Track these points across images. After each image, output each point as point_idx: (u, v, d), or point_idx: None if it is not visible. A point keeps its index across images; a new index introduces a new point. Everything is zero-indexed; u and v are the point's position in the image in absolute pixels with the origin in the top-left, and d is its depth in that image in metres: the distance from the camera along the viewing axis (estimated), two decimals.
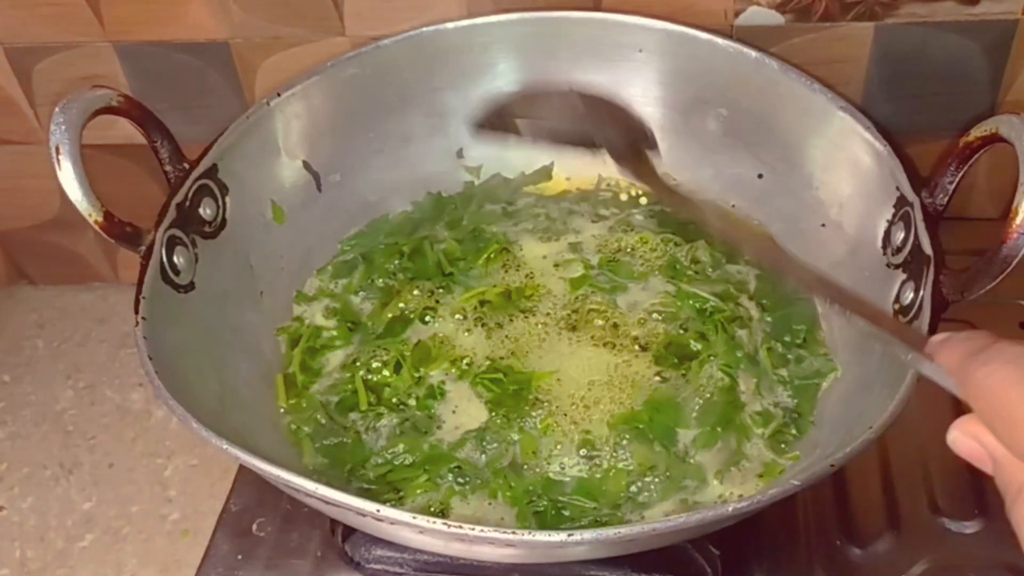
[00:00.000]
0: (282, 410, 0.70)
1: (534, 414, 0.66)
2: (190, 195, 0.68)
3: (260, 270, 0.74)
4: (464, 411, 0.68)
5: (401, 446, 0.66)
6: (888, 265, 0.66)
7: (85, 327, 0.94)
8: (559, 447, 0.65)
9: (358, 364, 0.71)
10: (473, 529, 0.50)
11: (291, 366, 0.72)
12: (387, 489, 0.65)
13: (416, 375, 0.70)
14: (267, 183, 0.75)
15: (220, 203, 0.71)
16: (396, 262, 0.77)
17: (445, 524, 0.50)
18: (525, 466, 0.65)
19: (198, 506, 0.78)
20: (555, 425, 0.66)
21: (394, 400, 0.69)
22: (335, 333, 0.74)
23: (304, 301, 0.76)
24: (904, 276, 0.63)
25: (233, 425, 0.63)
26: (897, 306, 0.63)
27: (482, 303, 0.73)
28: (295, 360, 0.72)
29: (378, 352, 0.71)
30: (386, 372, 0.70)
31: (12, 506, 0.80)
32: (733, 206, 0.79)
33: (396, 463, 0.66)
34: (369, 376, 0.70)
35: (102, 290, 0.98)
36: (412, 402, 0.69)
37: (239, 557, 0.69)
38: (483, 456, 0.65)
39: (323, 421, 0.68)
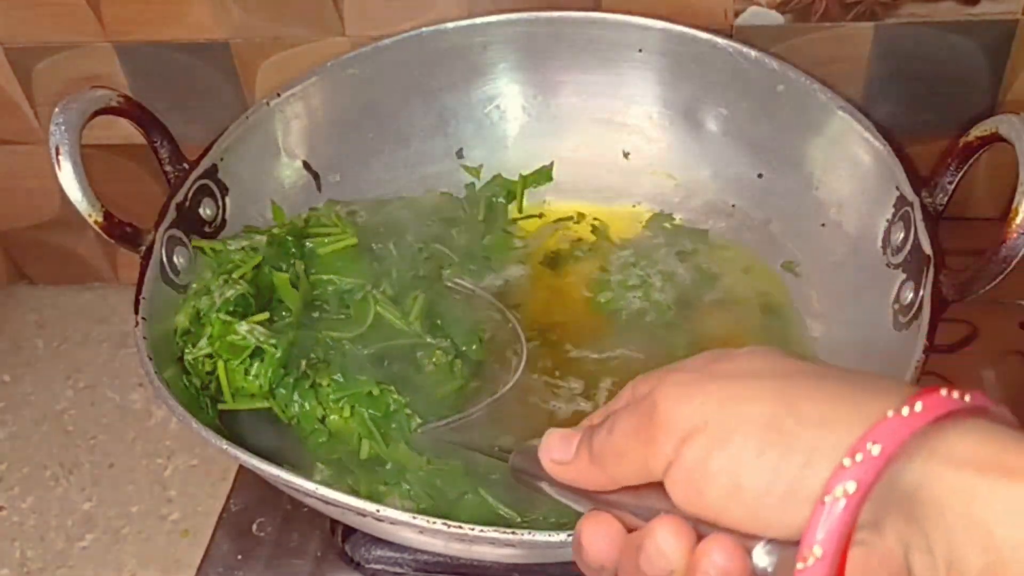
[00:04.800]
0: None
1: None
2: (190, 195, 0.68)
3: None
4: None
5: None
6: (888, 265, 0.66)
7: (85, 327, 0.94)
8: None
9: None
10: (473, 529, 0.50)
11: None
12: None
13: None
14: (267, 183, 0.75)
15: (220, 203, 0.71)
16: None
17: (445, 524, 0.50)
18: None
19: (198, 506, 0.78)
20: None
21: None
22: None
23: None
24: (904, 276, 0.63)
25: (233, 425, 0.63)
26: (897, 306, 0.63)
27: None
28: None
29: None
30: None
31: (12, 506, 0.80)
32: (733, 206, 0.79)
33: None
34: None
35: (102, 290, 0.98)
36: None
37: (239, 557, 0.69)
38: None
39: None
